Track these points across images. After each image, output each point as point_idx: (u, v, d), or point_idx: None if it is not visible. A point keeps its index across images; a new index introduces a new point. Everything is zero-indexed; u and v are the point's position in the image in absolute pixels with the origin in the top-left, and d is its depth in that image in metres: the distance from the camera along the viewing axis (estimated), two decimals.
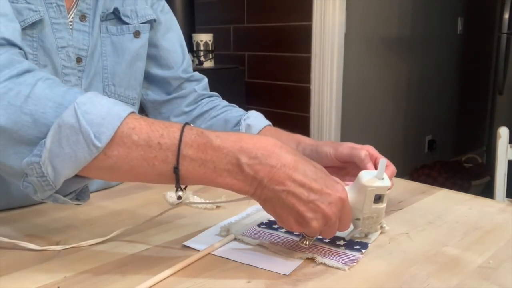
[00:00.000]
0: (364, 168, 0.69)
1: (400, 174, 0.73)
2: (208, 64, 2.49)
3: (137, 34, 0.84)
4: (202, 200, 0.76)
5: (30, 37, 0.71)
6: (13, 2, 0.68)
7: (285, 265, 0.56)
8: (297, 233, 0.64)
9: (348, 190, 0.57)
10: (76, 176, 0.53)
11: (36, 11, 0.70)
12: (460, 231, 0.67)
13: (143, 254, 0.60)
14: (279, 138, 0.56)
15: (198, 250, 0.60)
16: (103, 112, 0.51)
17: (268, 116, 0.92)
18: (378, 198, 0.58)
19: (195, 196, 0.78)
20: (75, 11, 0.77)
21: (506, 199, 1.35)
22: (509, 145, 1.34)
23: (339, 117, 2.48)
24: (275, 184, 0.52)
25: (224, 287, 0.52)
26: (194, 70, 0.97)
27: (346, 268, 0.55)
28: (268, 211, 0.55)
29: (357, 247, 0.60)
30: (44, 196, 0.53)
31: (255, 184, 0.52)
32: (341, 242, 0.62)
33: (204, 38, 2.46)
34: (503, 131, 1.33)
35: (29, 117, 0.50)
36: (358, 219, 0.59)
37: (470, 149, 3.63)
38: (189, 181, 0.53)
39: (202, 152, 0.51)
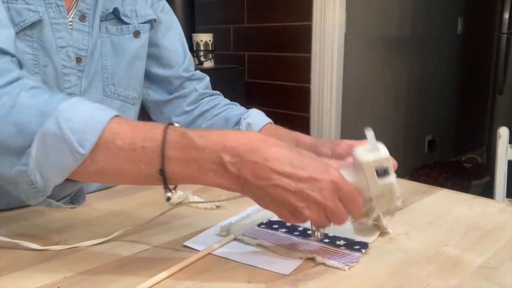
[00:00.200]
0: None
1: (400, 174, 0.72)
2: (208, 64, 2.49)
3: (137, 34, 0.84)
4: (202, 200, 0.76)
5: (30, 37, 0.71)
6: (12, 3, 0.68)
7: (285, 265, 0.56)
8: (297, 233, 0.64)
9: (348, 171, 0.55)
10: (68, 180, 0.53)
11: (35, 11, 0.70)
12: (460, 231, 0.67)
13: (143, 254, 0.60)
14: (280, 136, 0.56)
15: (198, 250, 0.60)
16: (85, 118, 0.51)
17: (268, 116, 0.92)
18: (383, 172, 0.54)
19: (195, 196, 0.78)
20: (74, 11, 0.77)
21: (506, 199, 1.35)
22: (509, 145, 1.34)
23: (339, 117, 2.48)
24: (260, 180, 0.51)
25: (224, 287, 0.52)
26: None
27: (346, 268, 0.55)
28: (263, 207, 0.54)
29: (357, 247, 0.60)
30: (37, 202, 0.54)
31: (241, 182, 0.51)
32: (341, 242, 0.62)
33: (204, 38, 2.47)
34: (503, 131, 1.33)
35: (14, 127, 0.50)
36: (370, 199, 0.56)
37: (470, 149, 3.63)
38: (177, 182, 0.53)
39: (186, 153, 0.51)
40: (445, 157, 3.35)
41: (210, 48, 2.48)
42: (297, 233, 0.64)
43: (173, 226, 0.68)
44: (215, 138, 0.52)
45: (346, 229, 0.65)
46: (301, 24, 2.45)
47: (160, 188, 0.53)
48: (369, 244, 0.61)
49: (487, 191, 2.51)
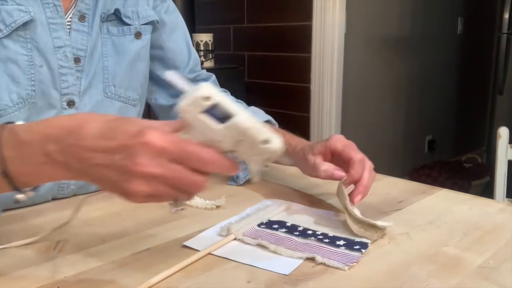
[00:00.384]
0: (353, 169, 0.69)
1: (400, 174, 0.72)
2: (208, 64, 2.49)
3: (138, 35, 0.84)
4: (202, 200, 0.76)
5: (23, 38, 0.72)
6: (2, 5, 0.69)
7: (285, 265, 0.56)
8: (297, 233, 0.64)
9: (189, 131, 0.47)
10: None
11: (26, 11, 0.71)
12: (460, 231, 0.67)
13: (143, 254, 0.60)
14: None
15: (198, 250, 0.60)
16: None
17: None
18: (222, 117, 0.45)
19: (195, 196, 0.78)
20: (73, 11, 0.77)
21: (506, 199, 1.35)
22: (509, 145, 1.34)
23: (339, 117, 2.48)
24: (81, 162, 0.46)
25: (224, 287, 0.52)
26: None
27: (346, 268, 0.55)
28: (104, 191, 0.49)
29: (357, 247, 0.60)
30: None
31: (73, 170, 0.47)
32: (341, 242, 0.62)
33: (204, 38, 2.47)
34: (503, 131, 1.33)
35: None
36: (231, 151, 0.47)
37: (470, 149, 3.63)
38: (27, 181, 0.50)
39: (18, 150, 0.49)
40: (445, 157, 3.35)
41: (210, 48, 2.48)
42: (297, 233, 0.64)
43: (173, 226, 0.68)
44: (40, 128, 0.49)
45: (346, 229, 0.65)
46: (301, 24, 2.45)
47: None
48: (369, 244, 0.61)
49: (487, 191, 2.51)
